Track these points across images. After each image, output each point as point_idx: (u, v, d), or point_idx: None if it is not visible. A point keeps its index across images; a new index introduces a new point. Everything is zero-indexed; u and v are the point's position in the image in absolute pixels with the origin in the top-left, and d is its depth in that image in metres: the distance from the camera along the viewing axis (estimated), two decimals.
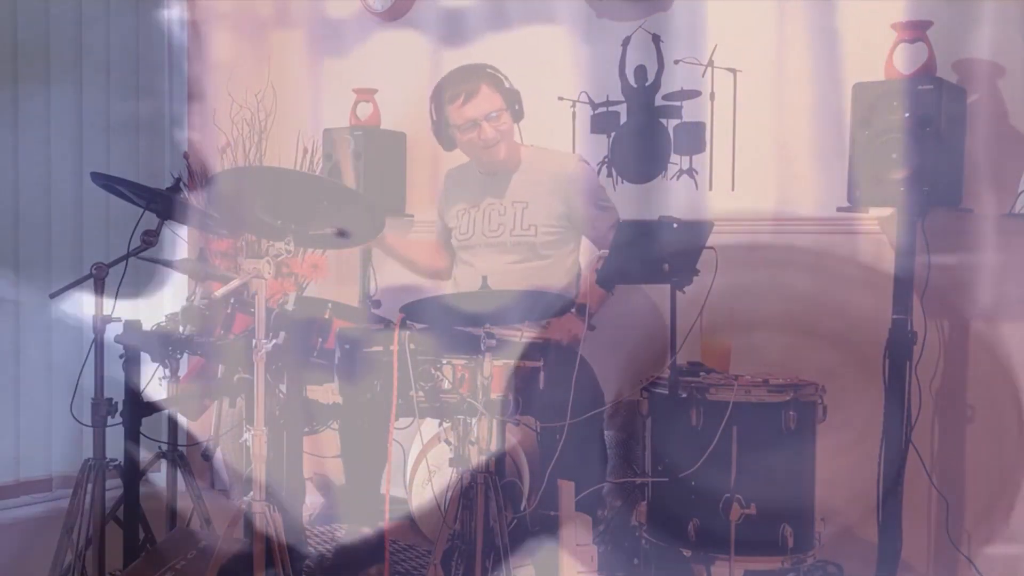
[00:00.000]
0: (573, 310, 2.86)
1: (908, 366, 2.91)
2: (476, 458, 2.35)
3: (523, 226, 3.11)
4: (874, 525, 2.95)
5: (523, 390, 2.40)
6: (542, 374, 2.44)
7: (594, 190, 3.16)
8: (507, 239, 3.13)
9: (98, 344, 2.48)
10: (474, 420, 2.34)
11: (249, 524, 2.24)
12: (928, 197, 2.79)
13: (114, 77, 4.05)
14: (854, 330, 3.15)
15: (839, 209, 2.98)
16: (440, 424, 2.54)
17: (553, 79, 3.69)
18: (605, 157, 3.65)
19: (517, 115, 3.12)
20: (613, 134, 3.65)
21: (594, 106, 3.67)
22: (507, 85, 3.09)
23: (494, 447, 2.38)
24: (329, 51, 4.43)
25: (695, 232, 2.54)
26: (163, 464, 2.88)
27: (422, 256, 3.35)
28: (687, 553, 2.58)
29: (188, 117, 4.24)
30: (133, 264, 2.53)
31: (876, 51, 2.91)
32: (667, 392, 2.58)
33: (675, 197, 3.45)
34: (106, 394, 2.52)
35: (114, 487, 2.59)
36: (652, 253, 2.51)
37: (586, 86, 3.66)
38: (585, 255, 3.23)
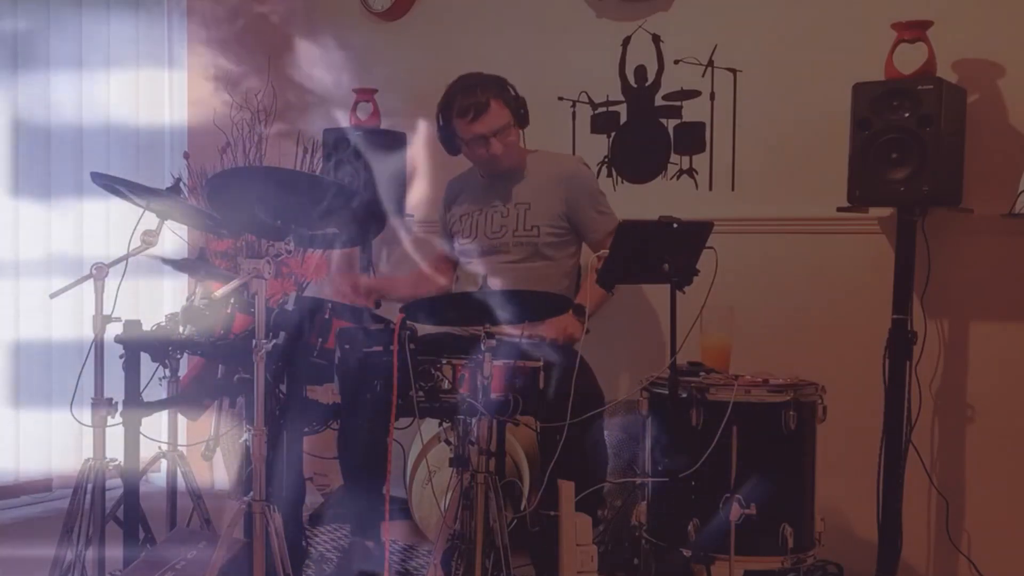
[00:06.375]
0: (570, 311, 2.86)
1: (908, 366, 2.91)
2: (476, 458, 2.35)
3: (526, 227, 3.11)
4: (874, 525, 2.95)
5: (523, 390, 2.39)
6: (542, 374, 2.44)
7: (594, 194, 3.16)
8: (509, 239, 3.12)
9: (98, 344, 2.48)
10: (474, 420, 2.34)
11: (249, 524, 2.24)
12: (928, 197, 2.79)
13: (114, 75, 4.05)
14: (854, 330, 3.15)
15: (839, 209, 2.98)
16: (440, 424, 2.54)
17: (553, 79, 3.69)
18: (605, 157, 3.65)
19: (523, 121, 3.13)
20: (613, 134, 3.65)
21: (594, 106, 3.67)
22: (514, 93, 3.10)
23: (494, 447, 2.38)
24: (329, 51, 4.43)
25: (695, 232, 2.54)
26: (163, 464, 2.88)
27: (421, 288, 3.31)
28: (687, 553, 2.58)
29: (188, 118, 4.24)
30: (133, 264, 2.53)
31: (876, 51, 2.92)
32: (667, 392, 2.57)
33: (675, 197, 3.45)
34: (106, 394, 2.52)
35: (114, 487, 2.59)
36: (652, 253, 2.51)
37: (586, 86, 3.66)
38: (586, 259, 3.23)
